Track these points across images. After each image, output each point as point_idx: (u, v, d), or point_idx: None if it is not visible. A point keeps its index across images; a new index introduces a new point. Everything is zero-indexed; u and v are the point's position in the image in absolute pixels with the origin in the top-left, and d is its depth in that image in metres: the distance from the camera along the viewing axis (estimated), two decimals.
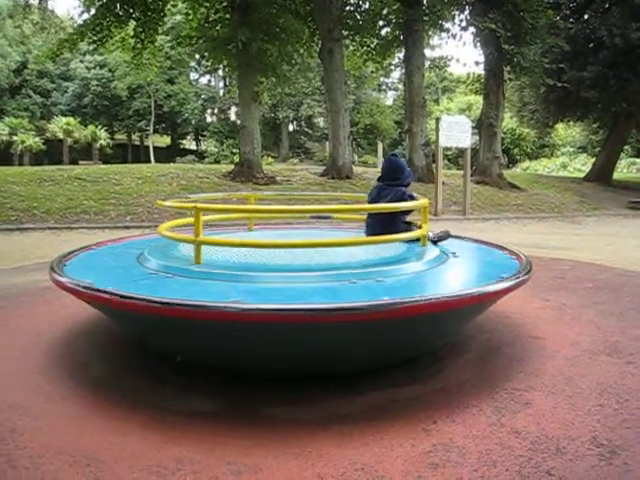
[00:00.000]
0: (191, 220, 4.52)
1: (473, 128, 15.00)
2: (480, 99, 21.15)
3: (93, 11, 16.03)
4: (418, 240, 3.78)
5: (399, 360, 3.03)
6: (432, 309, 2.51)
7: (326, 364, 2.77)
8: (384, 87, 51.10)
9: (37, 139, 35.53)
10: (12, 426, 2.36)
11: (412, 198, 3.98)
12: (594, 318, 4.01)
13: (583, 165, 32.49)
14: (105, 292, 2.63)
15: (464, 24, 17.41)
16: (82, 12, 16.45)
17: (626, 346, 3.37)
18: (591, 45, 18.57)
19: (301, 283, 2.87)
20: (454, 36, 17.81)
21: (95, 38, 16.22)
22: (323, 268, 3.08)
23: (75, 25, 16.32)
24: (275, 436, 2.29)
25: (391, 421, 2.40)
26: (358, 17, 18.62)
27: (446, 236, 4.22)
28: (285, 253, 3.43)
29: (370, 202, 4.12)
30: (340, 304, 2.45)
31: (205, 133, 44.95)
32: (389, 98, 52.42)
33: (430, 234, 4.00)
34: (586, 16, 19.57)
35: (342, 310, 2.38)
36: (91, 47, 19.45)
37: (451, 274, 3.34)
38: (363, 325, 2.51)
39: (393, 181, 4.04)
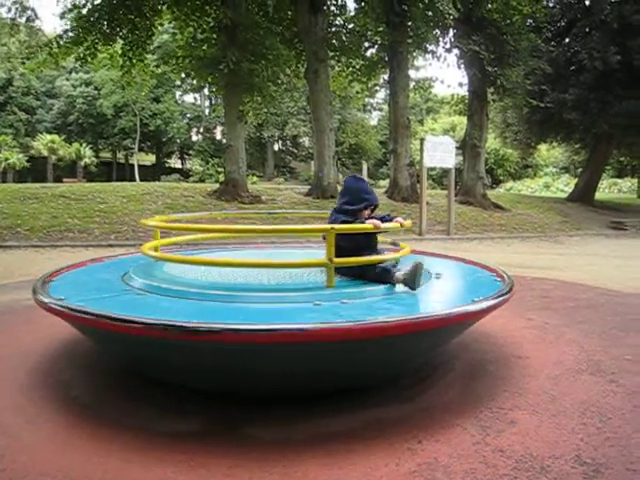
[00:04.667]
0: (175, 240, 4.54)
1: (457, 148, 15.17)
2: (464, 120, 21.41)
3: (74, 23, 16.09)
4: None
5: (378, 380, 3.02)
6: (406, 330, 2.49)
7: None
8: (369, 107, 51.67)
9: (21, 156, 35.41)
10: None
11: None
12: (577, 337, 4.05)
13: (566, 185, 32.97)
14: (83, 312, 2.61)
15: (448, 46, 17.71)
16: (66, 31, 16.46)
17: (608, 365, 3.41)
18: (572, 68, 18.91)
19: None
20: (438, 58, 18.01)
21: (80, 55, 16.27)
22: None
23: (61, 41, 16.32)
24: (259, 456, 2.27)
25: (376, 440, 2.40)
26: (343, 38, 18.86)
27: (414, 276, 3.03)
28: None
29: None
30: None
31: (190, 152, 45.05)
32: (374, 118, 53.05)
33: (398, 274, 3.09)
34: (567, 40, 19.95)
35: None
36: (77, 64, 19.47)
37: (434, 295, 3.27)
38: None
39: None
